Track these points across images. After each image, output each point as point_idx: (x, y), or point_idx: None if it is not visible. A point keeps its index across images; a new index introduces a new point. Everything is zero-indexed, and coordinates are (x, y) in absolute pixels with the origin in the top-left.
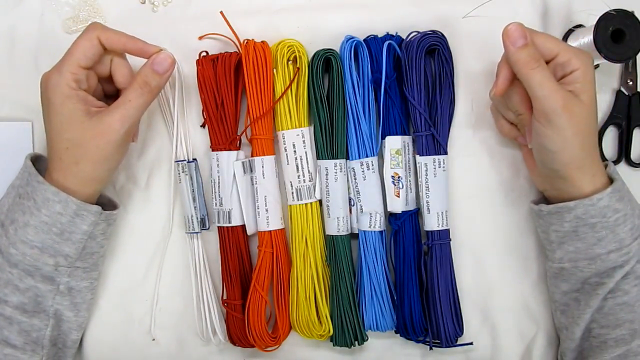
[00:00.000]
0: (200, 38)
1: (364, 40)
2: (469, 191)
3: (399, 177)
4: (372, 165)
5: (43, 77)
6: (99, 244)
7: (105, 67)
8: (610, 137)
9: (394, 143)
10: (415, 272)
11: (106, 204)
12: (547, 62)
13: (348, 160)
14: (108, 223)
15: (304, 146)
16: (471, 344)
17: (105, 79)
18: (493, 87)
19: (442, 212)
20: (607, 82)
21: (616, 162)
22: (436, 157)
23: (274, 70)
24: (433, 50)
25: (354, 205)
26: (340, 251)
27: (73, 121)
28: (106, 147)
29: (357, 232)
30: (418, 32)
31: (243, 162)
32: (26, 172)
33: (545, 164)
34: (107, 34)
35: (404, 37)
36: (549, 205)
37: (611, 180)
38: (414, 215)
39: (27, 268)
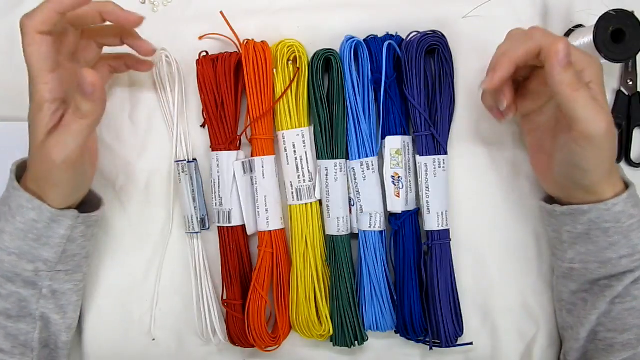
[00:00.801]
0: (200, 38)
1: (364, 40)
2: (469, 191)
3: (399, 177)
4: (372, 165)
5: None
6: (80, 246)
7: (75, 35)
8: None
9: (394, 143)
10: (415, 272)
11: (91, 200)
12: None
13: (348, 160)
14: (87, 225)
15: (304, 146)
16: (471, 344)
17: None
18: (487, 79)
19: (442, 212)
20: (607, 82)
21: (616, 162)
22: (436, 157)
23: (274, 70)
24: (433, 50)
25: (354, 205)
26: (340, 251)
27: (36, 133)
28: (50, 174)
29: (357, 232)
30: (418, 32)
31: (243, 162)
32: (9, 177)
33: (571, 179)
34: (38, 20)
35: (404, 37)
36: (563, 207)
37: (627, 186)
38: (414, 215)
39: (6, 274)
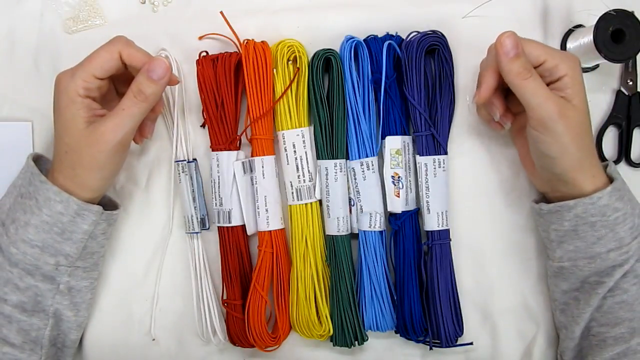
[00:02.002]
0: (200, 38)
1: (364, 40)
2: (469, 191)
3: (399, 177)
4: (372, 165)
5: (57, 77)
6: (100, 243)
7: (127, 79)
8: (610, 137)
9: (394, 143)
10: (415, 272)
11: (107, 204)
12: (535, 68)
13: (348, 160)
14: (109, 223)
15: (304, 146)
16: (471, 344)
17: (120, 81)
18: (475, 95)
19: (442, 212)
20: (607, 82)
21: (616, 162)
22: (436, 157)
23: (274, 70)
24: (433, 50)
25: (354, 205)
26: (340, 251)
27: (73, 126)
28: (99, 156)
29: (357, 232)
30: (418, 32)
31: (243, 162)
32: (28, 171)
33: (546, 169)
34: (129, 51)
35: (404, 37)
36: (549, 204)
37: (611, 180)
38: (414, 215)
39: (27, 267)
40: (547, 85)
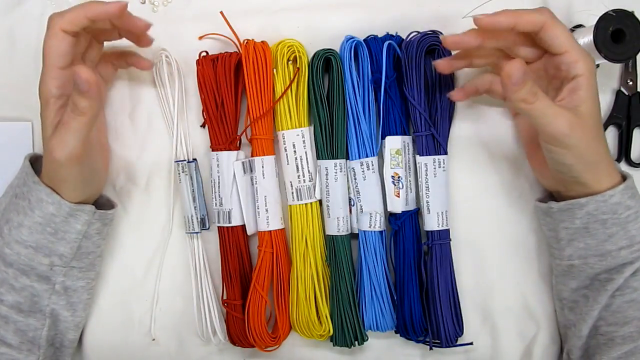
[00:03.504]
0: (200, 38)
1: (364, 40)
2: (469, 191)
3: (399, 177)
4: (372, 165)
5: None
6: (95, 243)
7: (86, 40)
8: (610, 137)
9: (394, 143)
10: (415, 272)
11: (105, 203)
12: (553, 56)
13: (348, 160)
14: (103, 223)
15: (304, 146)
16: (471, 344)
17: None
18: (456, 92)
19: (442, 212)
20: (607, 82)
21: (616, 162)
22: (436, 157)
23: (274, 70)
24: (433, 50)
25: (354, 205)
26: (340, 251)
27: (45, 130)
28: (59, 170)
29: (357, 232)
30: (418, 32)
31: (243, 162)
32: (24, 172)
33: (562, 173)
34: (67, 19)
35: (404, 37)
36: (560, 203)
37: (624, 178)
38: (414, 215)
39: (22, 267)
40: (559, 81)
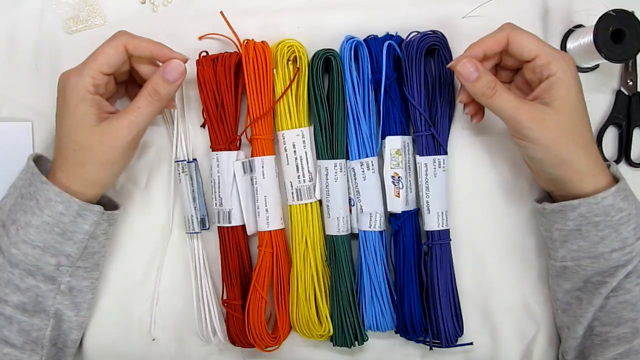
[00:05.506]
0: (200, 38)
1: (364, 40)
2: (469, 191)
3: (399, 177)
4: (372, 165)
5: (62, 76)
6: (101, 243)
7: (125, 72)
8: (610, 137)
9: (394, 143)
10: (415, 272)
11: (106, 204)
12: (527, 62)
13: (348, 160)
14: (109, 223)
15: (304, 146)
16: (471, 344)
17: (124, 81)
18: (459, 95)
19: (442, 212)
20: (607, 82)
21: (616, 162)
22: (436, 157)
23: (274, 70)
24: (433, 50)
25: (354, 205)
26: (340, 251)
27: (84, 124)
28: (112, 152)
29: (357, 232)
30: (418, 32)
31: (243, 162)
32: (29, 172)
33: (539, 169)
34: (134, 42)
35: (404, 37)
36: (553, 204)
37: (616, 180)
38: (414, 215)
39: (28, 268)
40: (537, 83)
